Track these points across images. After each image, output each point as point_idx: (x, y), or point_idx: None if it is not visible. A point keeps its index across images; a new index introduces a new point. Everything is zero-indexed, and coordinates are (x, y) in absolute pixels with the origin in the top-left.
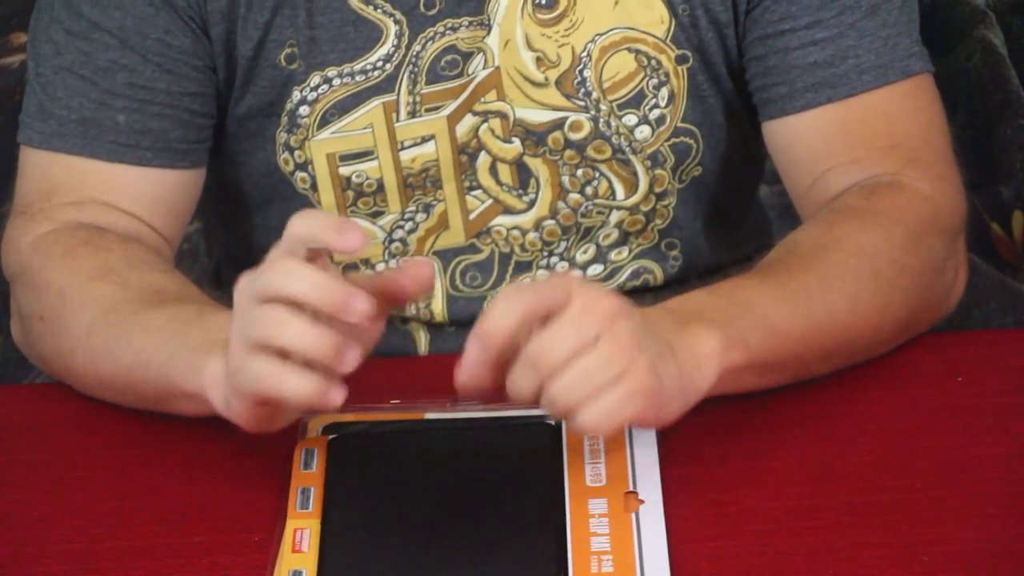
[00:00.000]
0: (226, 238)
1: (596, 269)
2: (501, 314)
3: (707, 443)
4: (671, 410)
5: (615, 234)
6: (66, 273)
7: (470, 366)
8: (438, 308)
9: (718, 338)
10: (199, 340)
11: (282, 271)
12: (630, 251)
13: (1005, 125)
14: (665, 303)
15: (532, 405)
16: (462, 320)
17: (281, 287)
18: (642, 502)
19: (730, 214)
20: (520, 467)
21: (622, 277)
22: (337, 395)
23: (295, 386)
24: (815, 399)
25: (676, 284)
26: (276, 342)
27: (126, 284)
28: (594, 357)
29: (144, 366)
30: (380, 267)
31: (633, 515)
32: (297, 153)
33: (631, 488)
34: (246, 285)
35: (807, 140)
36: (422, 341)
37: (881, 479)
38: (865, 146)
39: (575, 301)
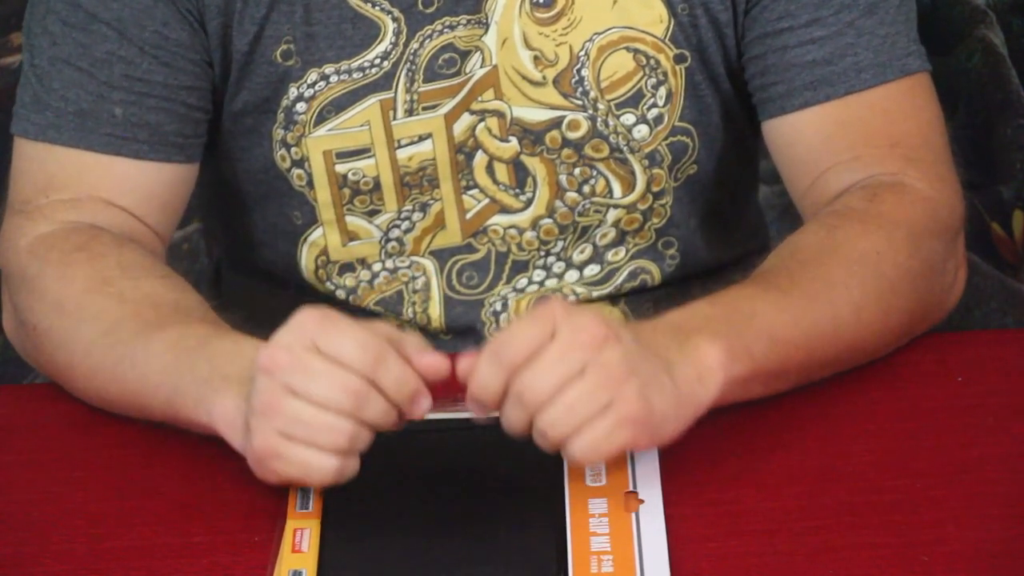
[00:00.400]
0: (224, 236)
1: (593, 269)
2: (485, 381)
3: (707, 443)
4: (667, 431)
5: (612, 233)
6: (62, 283)
7: (476, 412)
8: (435, 312)
9: (722, 350)
10: (206, 373)
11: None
12: (627, 251)
13: (1005, 125)
14: (667, 316)
15: (527, 437)
16: (459, 328)
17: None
18: (642, 502)
19: (725, 213)
20: (520, 467)
21: (619, 278)
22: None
23: (295, 465)
24: (815, 399)
25: (674, 284)
26: (358, 415)
27: (122, 296)
28: (579, 389)
29: (151, 394)
30: (376, 267)
31: (633, 515)
32: (294, 150)
33: (631, 488)
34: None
35: (806, 139)
36: None
37: (881, 479)
38: (865, 144)
39: (560, 332)
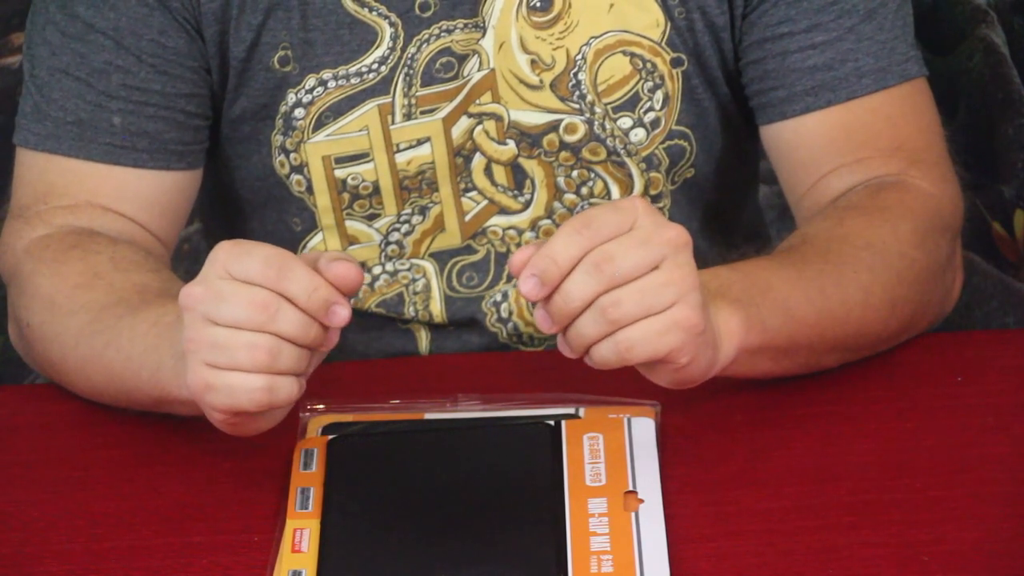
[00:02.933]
0: (224, 240)
1: None
2: (561, 246)
3: (707, 443)
4: (701, 364)
5: None
6: (55, 280)
7: (529, 296)
8: (436, 309)
9: (740, 317)
10: (183, 347)
11: (276, 274)
12: None
13: (1007, 124)
14: None
15: (573, 316)
16: (461, 321)
17: (282, 284)
18: (641, 501)
19: (724, 215)
20: (520, 467)
21: None
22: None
23: (256, 394)
24: (814, 399)
25: None
26: (272, 328)
27: (111, 287)
28: (652, 278)
29: (135, 375)
30: (376, 270)
31: (633, 515)
32: (293, 156)
33: (631, 488)
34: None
35: (808, 143)
36: (423, 340)
37: (881, 479)
38: (868, 148)
39: (644, 223)
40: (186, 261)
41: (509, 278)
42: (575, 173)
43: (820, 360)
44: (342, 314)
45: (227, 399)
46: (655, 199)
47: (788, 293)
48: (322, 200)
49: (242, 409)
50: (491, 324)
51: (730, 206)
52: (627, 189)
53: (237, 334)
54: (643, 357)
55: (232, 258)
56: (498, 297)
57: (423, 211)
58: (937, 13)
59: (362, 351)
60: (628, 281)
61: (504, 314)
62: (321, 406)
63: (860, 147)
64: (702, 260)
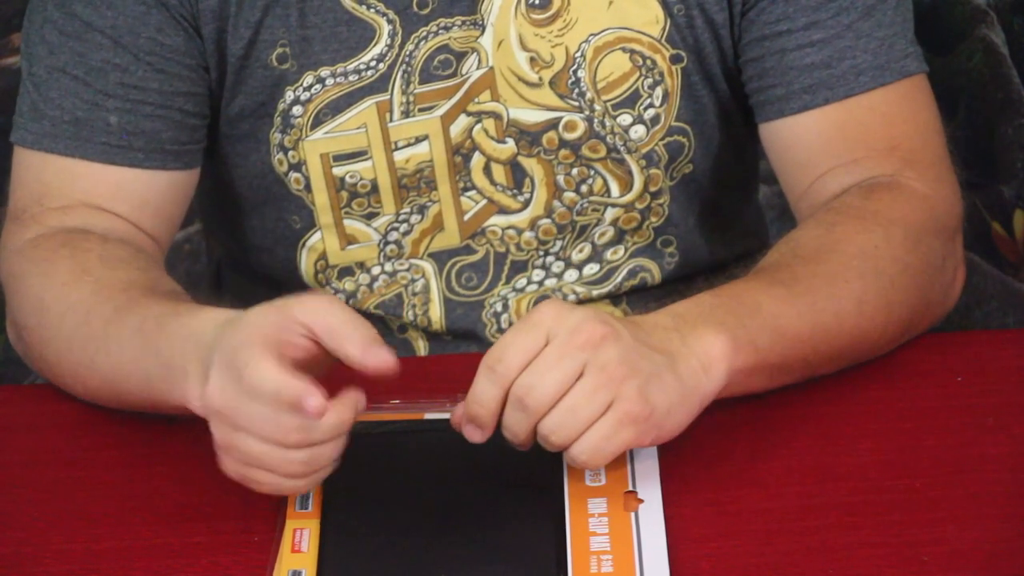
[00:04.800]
0: (224, 241)
1: (592, 268)
2: (482, 396)
3: (707, 443)
4: (672, 426)
5: (610, 232)
6: (45, 279)
7: (472, 437)
8: (435, 314)
9: (726, 340)
10: (167, 358)
11: (249, 383)
12: (626, 250)
13: (1006, 124)
14: (672, 307)
15: (528, 443)
16: (460, 331)
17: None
18: (641, 502)
19: (723, 210)
20: (520, 467)
21: (619, 277)
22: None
23: (266, 485)
24: (815, 399)
25: (675, 282)
26: (308, 443)
27: (98, 283)
28: (580, 390)
29: (125, 381)
30: (375, 270)
31: (632, 515)
32: (291, 153)
33: (630, 488)
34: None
35: (805, 142)
36: (421, 350)
37: (881, 479)
38: (864, 148)
39: (556, 335)
40: (186, 261)
41: (508, 279)
42: (575, 171)
43: (816, 371)
44: (359, 403)
45: (271, 491)
46: (655, 195)
47: (778, 311)
48: (320, 198)
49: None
50: (491, 335)
51: (729, 202)
52: (627, 186)
53: (273, 450)
54: (604, 461)
55: (246, 372)
56: (498, 307)
57: (422, 210)
58: (936, 13)
59: None
60: (558, 400)
61: (504, 324)
62: None
63: (856, 147)
64: (700, 258)
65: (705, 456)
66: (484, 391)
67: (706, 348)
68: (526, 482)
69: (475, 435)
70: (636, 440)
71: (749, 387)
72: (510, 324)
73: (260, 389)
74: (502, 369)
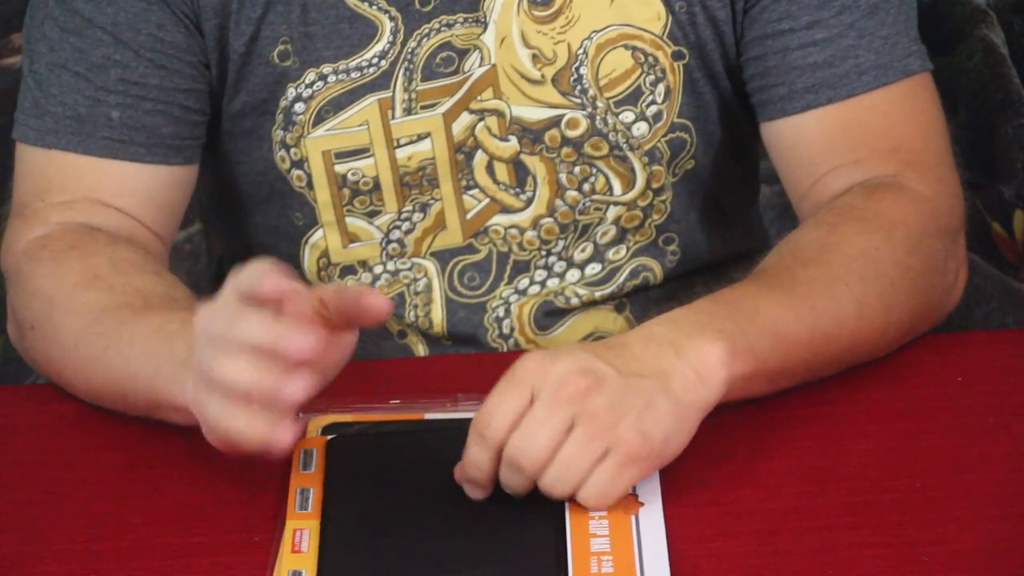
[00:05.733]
0: (226, 237)
1: (595, 268)
2: (476, 462)
3: (707, 443)
4: (674, 448)
5: (613, 231)
6: (54, 279)
7: (474, 496)
8: (437, 316)
9: (724, 347)
10: (184, 354)
11: (231, 318)
12: (628, 249)
13: (1006, 124)
14: (670, 314)
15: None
16: (460, 335)
17: (232, 332)
18: (641, 504)
19: (725, 206)
20: None
21: (621, 277)
22: (283, 434)
23: (241, 427)
24: (815, 399)
25: (676, 281)
26: (222, 382)
27: (111, 289)
28: (573, 444)
29: (131, 379)
30: (377, 269)
31: (633, 515)
32: (293, 150)
33: (630, 488)
34: (204, 325)
35: (807, 141)
36: (420, 354)
37: (881, 479)
38: (866, 148)
39: (541, 392)
40: (187, 261)
41: (511, 279)
42: (577, 169)
43: (817, 374)
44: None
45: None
46: (657, 192)
47: (778, 316)
48: (322, 195)
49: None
50: (492, 340)
51: (730, 199)
52: (629, 184)
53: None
54: (612, 501)
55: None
56: (500, 311)
57: (424, 208)
58: (936, 13)
59: (360, 355)
60: (552, 456)
61: (506, 330)
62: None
63: (858, 147)
64: (701, 256)
65: (705, 456)
66: (477, 456)
67: (703, 357)
68: None
69: (476, 494)
70: (640, 476)
71: (750, 392)
72: (512, 330)
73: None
74: (491, 434)
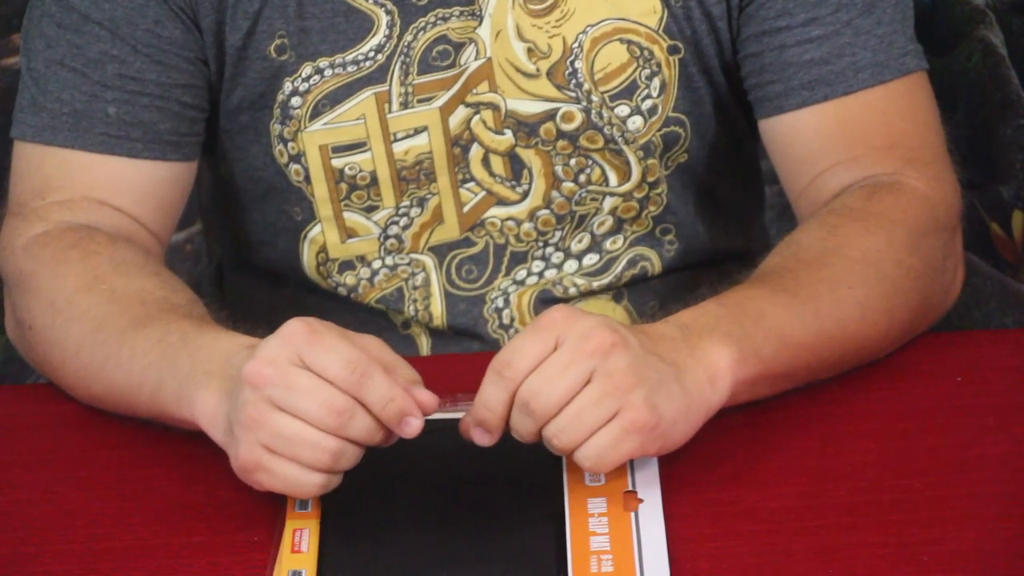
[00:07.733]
0: (226, 237)
1: (592, 258)
2: (490, 399)
3: (707, 443)
4: (676, 437)
5: (609, 221)
6: (55, 281)
7: (481, 442)
8: (437, 309)
9: (732, 352)
10: (187, 369)
11: (317, 350)
12: (625, 239)
13: (1005, 125)
14: (677, 316)
15: (534, 441)
16: (461, 327)
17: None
18: (641, 501)
19: (721, 199)
20: (520, 467)
21: (619, 267)
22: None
23: (278, 478)
24: (815, 399)
25: (675, 272)
26: (343, 433)
27: (112, 293)
28: (586, 397)
29: (136, 390)
30: (376, 264)
31: (632, 514)
32: (291, 145)
33: (630, 487)
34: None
35: (804, 138)
36: (424, 347)
37: (881, 479)
38: (864, 145)
39: (566, 340)
40: (188, 262)
41: (508, 271)
42: (572, 161)
43: (819, 376)
44: (415, 425)
45: (281, 485)
46: (653, 184)
47: (782, 319)
48: (319, 190)
49: (292, 496)
50: (493, 331)
51: (727, 190)
52: (625, 176)
53: (305, 430)
54: (608, 468)
55: (309, 347)
56: (500, 302)
57: (421, 203)
58: (936, 13)
59: None
60: (564, 405)
61: (506, 320)
62: None
63: (855, 144)
64: (699, 247)
65: (705, 456)
66: (491, 395)
67: (712, 360)
68: (526, 482)
69: (483, 439)
70: (641, 449)
71: (754, 395)
72: (512, 320)
73: (329, 356)
74: (510, 373)
